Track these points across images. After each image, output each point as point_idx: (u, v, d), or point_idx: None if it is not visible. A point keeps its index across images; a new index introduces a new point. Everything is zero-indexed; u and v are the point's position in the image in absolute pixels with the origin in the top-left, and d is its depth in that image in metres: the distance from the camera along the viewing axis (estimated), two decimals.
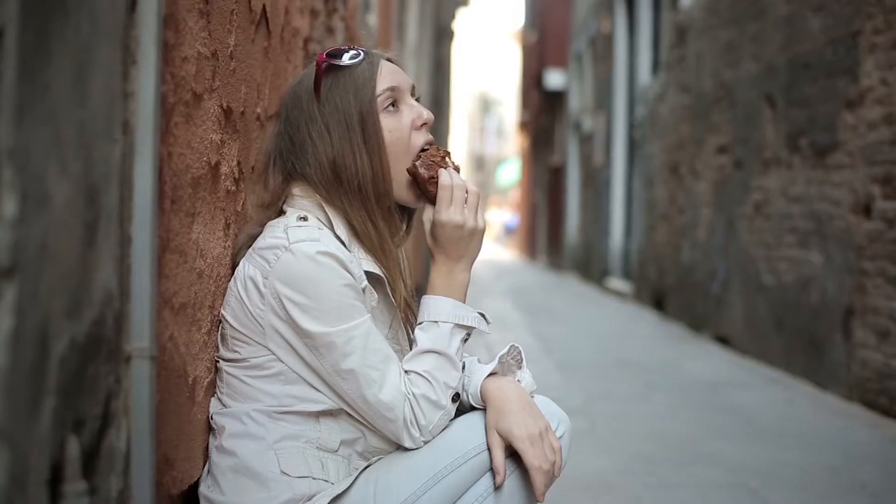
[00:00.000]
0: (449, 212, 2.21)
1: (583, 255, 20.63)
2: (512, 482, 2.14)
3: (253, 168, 2.60)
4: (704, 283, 10.01)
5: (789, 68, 7.69)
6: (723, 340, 9.19)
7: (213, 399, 2.23)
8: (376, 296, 2.19)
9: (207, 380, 2.19)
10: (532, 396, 2.24)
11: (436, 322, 2.20)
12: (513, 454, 2.13)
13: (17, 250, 1.20)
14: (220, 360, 2.21)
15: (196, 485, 2.17)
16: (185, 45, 1.96)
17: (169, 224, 1.90)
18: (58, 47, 1.33)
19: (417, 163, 2.24)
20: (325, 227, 2.16)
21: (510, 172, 53.29)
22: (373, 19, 6.20)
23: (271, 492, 2.07)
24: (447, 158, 2.27)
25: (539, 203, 30.73)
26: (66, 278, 1.37)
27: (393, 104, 2.24)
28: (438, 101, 14.56)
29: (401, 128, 2.23)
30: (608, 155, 17.50)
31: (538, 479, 2.11)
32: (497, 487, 2.12)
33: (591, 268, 19.17)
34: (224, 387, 2.20)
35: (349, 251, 2.15)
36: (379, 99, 2.21)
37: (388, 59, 2.29)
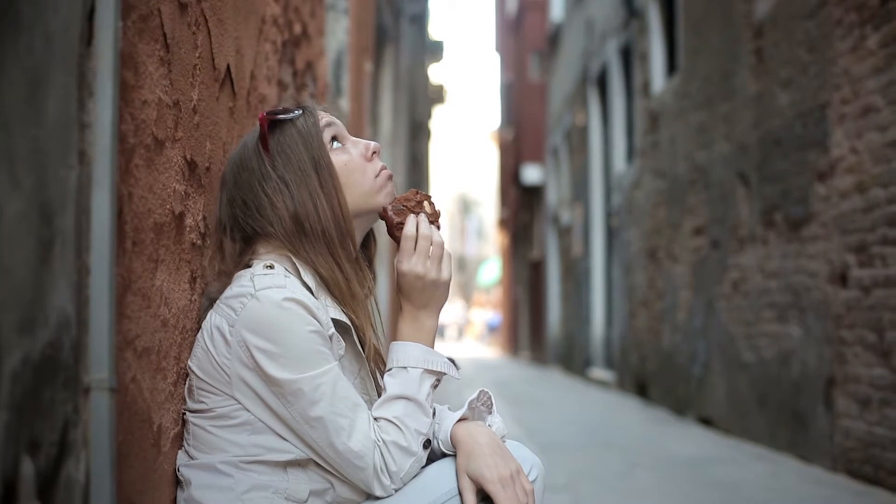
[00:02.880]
0: (410, 262, 2.21)
1: (565, 347, 20.59)
2: None
3: None
4: (686, 365, 9.99)
5: (761, 145, 7.76)
6: (706, 421, 9.15)
7: (179, 452, 2.20)
8: (344, 344, 2.18)
9: (174, 431, 2.17)
10: (503, 441, 2.22)
11: (405, 368, 2.19)
12: (485, 498, 2.11)
13: None
14: (187, 412, 2.19)
15: None
16: (144, 89, 1.97)
17: (130, 265, 1.90)
18: (9, 62, 1.33)
19: (390, 205, 2.24)
20: (291, 276, 2.15)
21: (491, 272, 53.45)
22: (345, 104, 6.24)
23: None
24: (424, 203, 2.27)
25: (520, 299, 30.74)
26: (18, 293, 1.36)
27: (336, 139, 2.26)
28: None
29: (353, 158, 2.26)
30: (587, 245, 17.56)
31: None
32: None
33: (573, 360, 19.11)
34: (191, 438, 2.17)
35: (316, 298, 2.14)
36: (324, 135, 2.24)
37: (323, 110, 2.33)
